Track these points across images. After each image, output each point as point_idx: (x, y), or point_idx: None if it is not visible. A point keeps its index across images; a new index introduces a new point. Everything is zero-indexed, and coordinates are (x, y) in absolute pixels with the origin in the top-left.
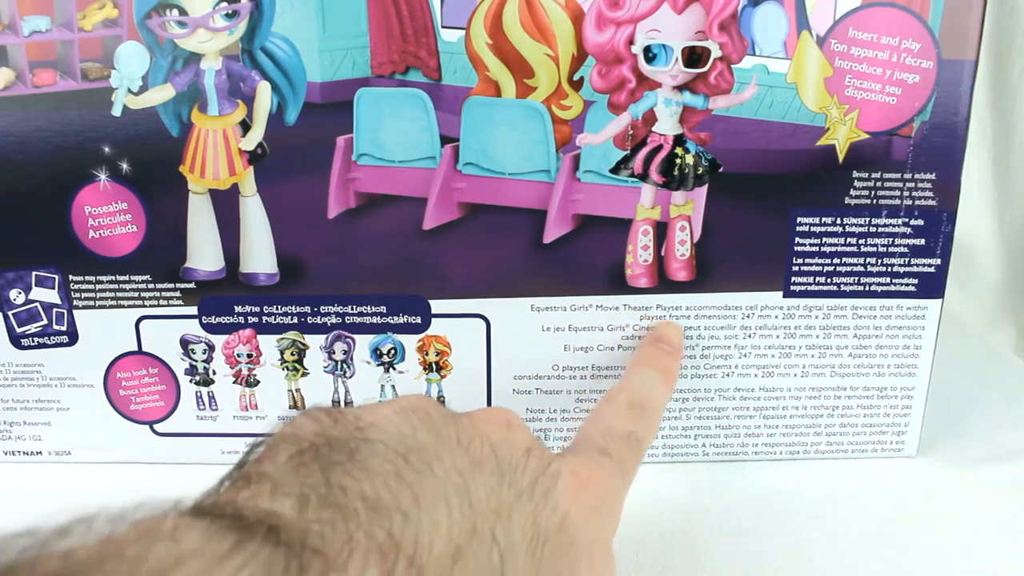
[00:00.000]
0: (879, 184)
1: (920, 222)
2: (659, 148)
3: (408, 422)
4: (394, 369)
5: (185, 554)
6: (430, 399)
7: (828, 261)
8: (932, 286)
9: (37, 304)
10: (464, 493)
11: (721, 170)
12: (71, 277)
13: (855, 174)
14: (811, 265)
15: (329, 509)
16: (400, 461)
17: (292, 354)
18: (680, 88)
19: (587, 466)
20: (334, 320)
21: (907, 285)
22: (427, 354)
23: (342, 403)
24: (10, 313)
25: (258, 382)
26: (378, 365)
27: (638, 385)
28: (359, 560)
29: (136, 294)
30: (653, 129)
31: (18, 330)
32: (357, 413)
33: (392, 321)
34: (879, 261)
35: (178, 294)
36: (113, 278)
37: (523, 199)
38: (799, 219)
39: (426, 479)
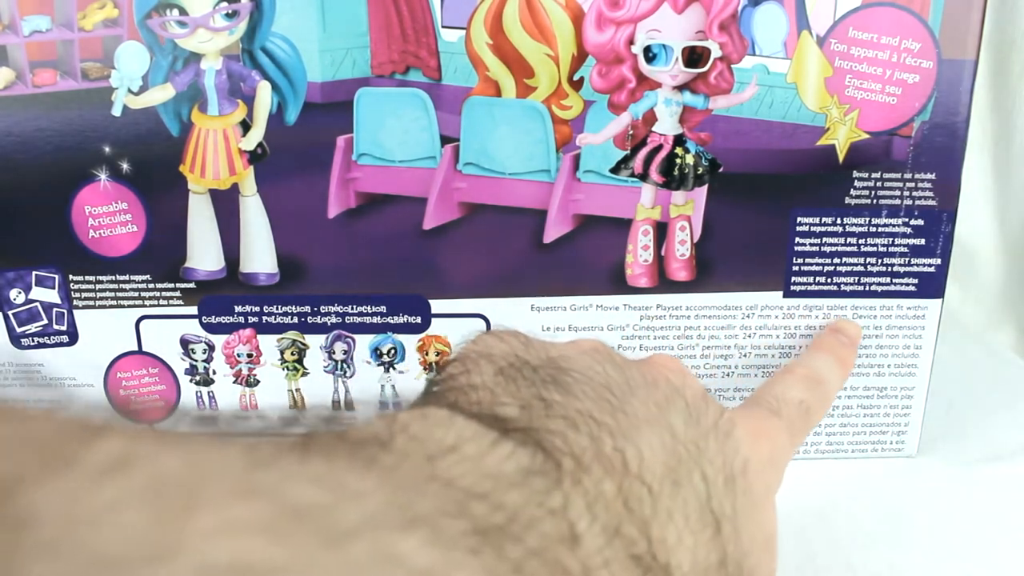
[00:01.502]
0: (879, 184)
1: (920, 222)
2: (659, 148)
3: (595, 360)
4: (394, 369)
5: (463, 437)
6: (605, 343)
7: (828, 261)
8: (932, 286)
9: (37, 304)
10: (665, 424)
11: (721, 170)
12: (71, 277)
13: (855, 174)
14: (811, 265)
15: (555, 419)
16: (602, 389)
17: (292, 354)
18: (680, 88)
19: (759, 420)
20: (334, 320)
21: (907, 285)
22: (427, 354)
23: (342, 403)
24: (10, 313)
25: (258, 382)
26: (378, 365)
27: (815, 364)
28: (598, 468)
29: (136, 294)
30: (653, 129)
31: (18, 330)
32: (544, 343)
33: (392, 321)
34: (879, 261)
35: (178, 294)
36: (113, 278)
37: (523, 199)
38: (799, 219)
39: (628, 407)
